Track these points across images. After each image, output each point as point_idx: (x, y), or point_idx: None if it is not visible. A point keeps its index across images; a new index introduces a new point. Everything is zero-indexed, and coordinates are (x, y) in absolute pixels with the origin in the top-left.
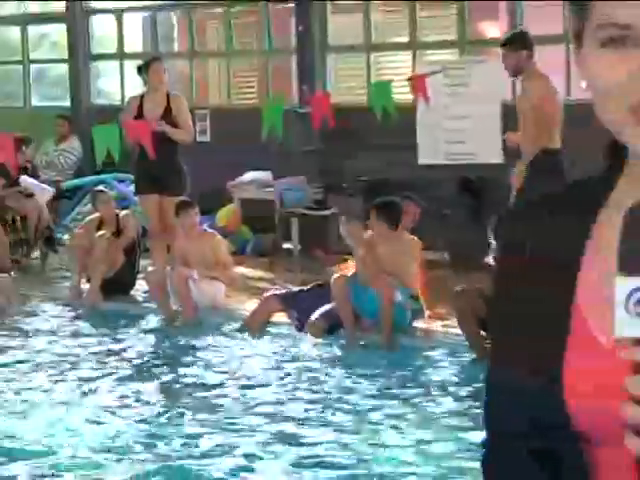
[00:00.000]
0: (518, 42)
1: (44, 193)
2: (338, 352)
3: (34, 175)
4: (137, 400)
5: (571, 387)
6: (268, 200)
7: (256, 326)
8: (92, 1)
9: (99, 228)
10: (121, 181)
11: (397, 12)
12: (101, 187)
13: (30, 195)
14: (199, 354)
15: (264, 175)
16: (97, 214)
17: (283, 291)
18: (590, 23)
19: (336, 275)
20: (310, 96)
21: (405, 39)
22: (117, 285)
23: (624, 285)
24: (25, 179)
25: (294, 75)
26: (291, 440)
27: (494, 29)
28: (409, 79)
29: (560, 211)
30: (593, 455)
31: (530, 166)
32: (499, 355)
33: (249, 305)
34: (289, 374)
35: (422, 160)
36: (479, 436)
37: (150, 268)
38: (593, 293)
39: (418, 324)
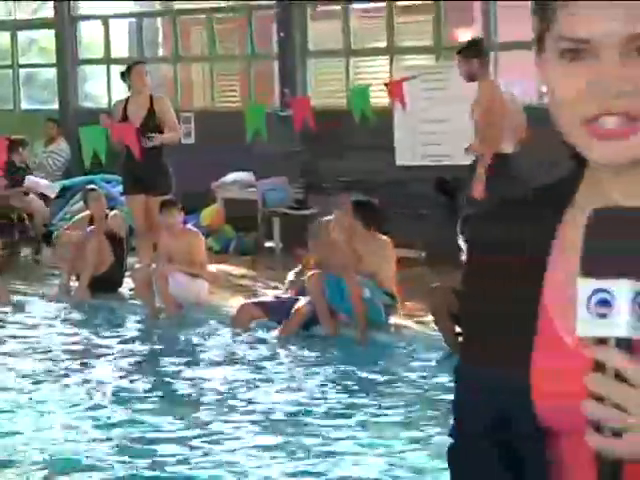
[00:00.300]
0: (471, 51)
1: (52, 190)
2: (315, 348)
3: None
4: (114, 395)
5: (538, 387)
6: (251, 200)
7: (243, 326)
8: (81, 1)
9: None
10: (108, 182)
11: (375, 18)
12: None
13: (26, 194)
14: (180, 349)
15: (247, 176)
16: (87, 212)
17: (258, 299)
18: (552, 31)
19: (310, 272)
20: (291, 99)
21: (383, 44)
22: (106, 283)
23: (586, 286)
24: (30, 178)
25: (276, 79)
26: (267, 432)
27: (469, 35)
28: (386, 84)
29: (527, 212)
30: (558, 452)
31: (489, 169)
32: (468, 354)
33: (232, 302)
34: (265, 370)
35: (400, 161)
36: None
37: (137, 266)
38: (559, 293)
39: (394, 320)
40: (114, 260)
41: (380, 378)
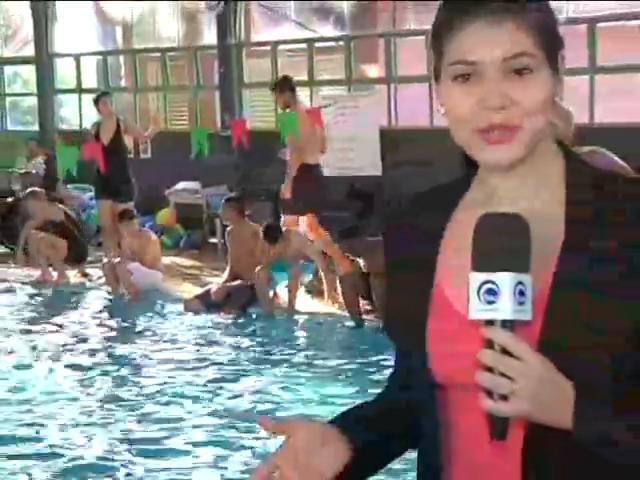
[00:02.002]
0: (285, 85)
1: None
2: (252, 323)
3: None
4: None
5: (435, 356)
6: (197, 204)
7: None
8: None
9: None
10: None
11: (298, 56)
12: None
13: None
14: (138, 325)
15: (194, 184)
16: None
17: (201, 291)
18: (444, 61)
19: (259, 267)
20: (230, 122)
21: (304, 78)
22: (70, 260)
23: (476, 279)
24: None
25: (217, 106)
26: (211, 396)
27: (374, 70)
28: (307, 110)
29: (423, 211)
30: (452, 406)
31: (295, 177)
32: (386, 323)
33: (183, 288)
34: (205, 342)
35: None
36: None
37: (105, 260)
38: (453, 283)
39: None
40: (68, 242)
41: (306, 345)
